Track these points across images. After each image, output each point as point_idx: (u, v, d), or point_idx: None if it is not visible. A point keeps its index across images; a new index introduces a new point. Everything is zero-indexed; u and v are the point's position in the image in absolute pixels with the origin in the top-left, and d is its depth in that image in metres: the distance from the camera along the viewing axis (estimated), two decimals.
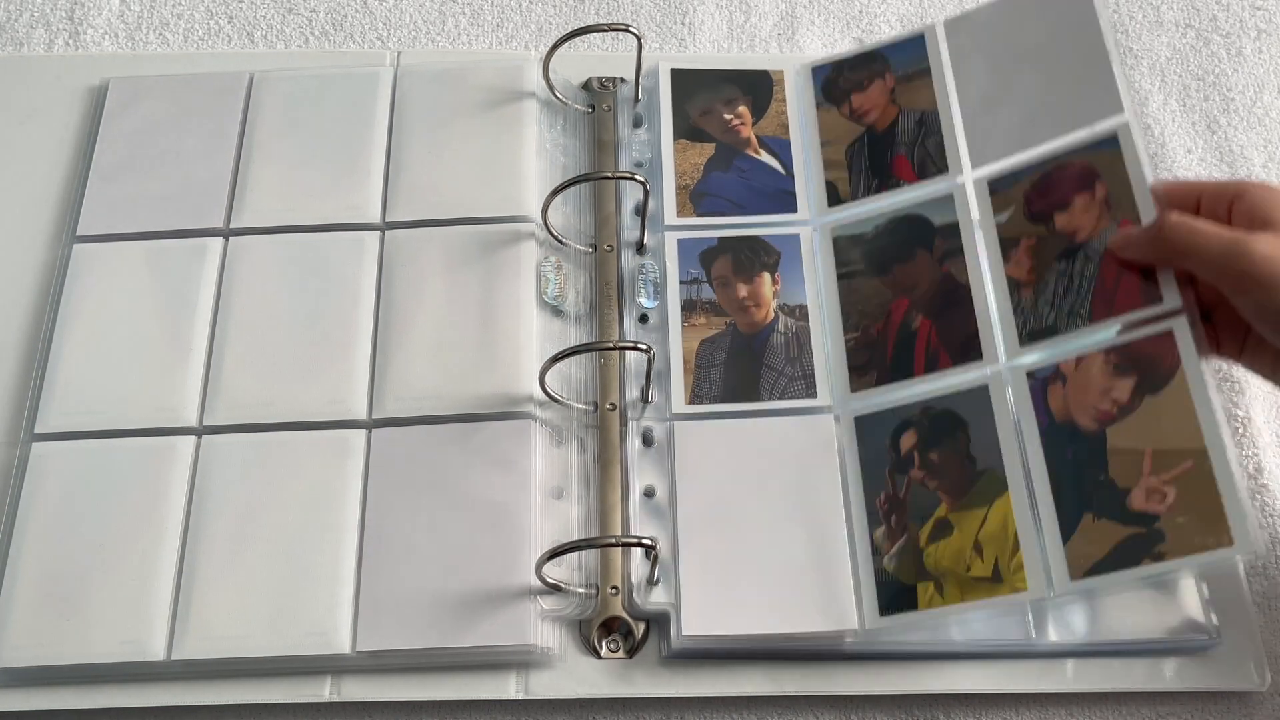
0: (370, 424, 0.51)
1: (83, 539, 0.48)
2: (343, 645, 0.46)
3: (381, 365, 0.51)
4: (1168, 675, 0.47)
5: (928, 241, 0.52)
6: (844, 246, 0.54)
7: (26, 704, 0.47)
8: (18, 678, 0.47)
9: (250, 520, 0.48)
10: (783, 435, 0.50)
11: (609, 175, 0.54)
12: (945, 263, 0.51)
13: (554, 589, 0.47)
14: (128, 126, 0.58)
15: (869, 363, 0.51)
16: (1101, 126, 0.50)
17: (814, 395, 0.51)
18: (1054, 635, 0.47)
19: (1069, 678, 0.47)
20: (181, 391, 0.51)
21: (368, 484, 0.49)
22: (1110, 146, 0.49)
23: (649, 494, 0.50)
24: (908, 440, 0.48)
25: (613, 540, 0.48)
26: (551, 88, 0.58)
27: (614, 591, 0.48)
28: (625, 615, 0.48)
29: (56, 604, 0.47)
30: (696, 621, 0.46)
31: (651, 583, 0.48)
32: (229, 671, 0.47)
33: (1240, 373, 0.56)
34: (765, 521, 0.48)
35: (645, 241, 0.55)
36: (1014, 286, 0.49)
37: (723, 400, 0.51)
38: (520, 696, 0.47)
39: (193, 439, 0.50)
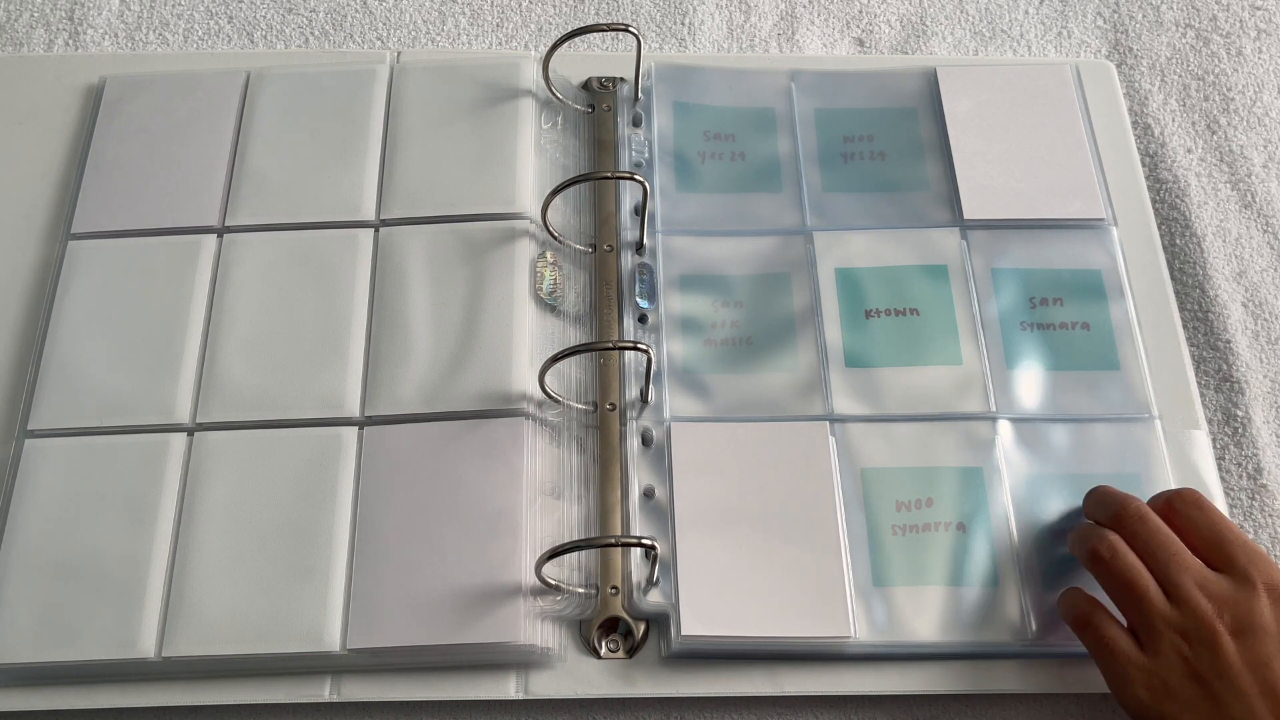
0: (363, 421, 0.50)
1: (75, 536, 0.48)
2: (333, 643, 0.46)
3: (375, 363, 0.51)
4: None
5: None
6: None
7: (23, 704, 0.46)
8: (10, 677, 0.47)
9: (242, 518, 0.48)
10: (779, 440, 0.50)
11: (609, 175, 0.53)
12: None
13: (554, 589, 0.47)
14: (123, 123, 0.58)
15: None
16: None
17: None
18: (1055, 637, 0.47)
19: (1069, 678, 0.47)
20: (175, 389, 0.51)
21: (360, 482, 0.49)
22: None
23: (648, 494, 0.50)
24: None
25: (612, 540, 0.48)
26: (551, 87, 0.58)
27: (614, 592, 0.48)
28: (625, 615, 0.48)
29: (48, 601, 0.46)
30: (695, 623, 0.46)
31: (651, 583, 0.48)
32: (224, 671, 0.47)
33: (1240, 373, 0.56)
34: (762, 524, 0.48)
35: (644, 242, 0.55)
36: None
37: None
38: (520, 696, 0.47)
39: (186, 436, 0.50)
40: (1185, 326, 0.57)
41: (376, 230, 0.55)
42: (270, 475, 0.49)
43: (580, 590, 0.48)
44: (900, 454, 0.50)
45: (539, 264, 0.54)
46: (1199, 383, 0.55)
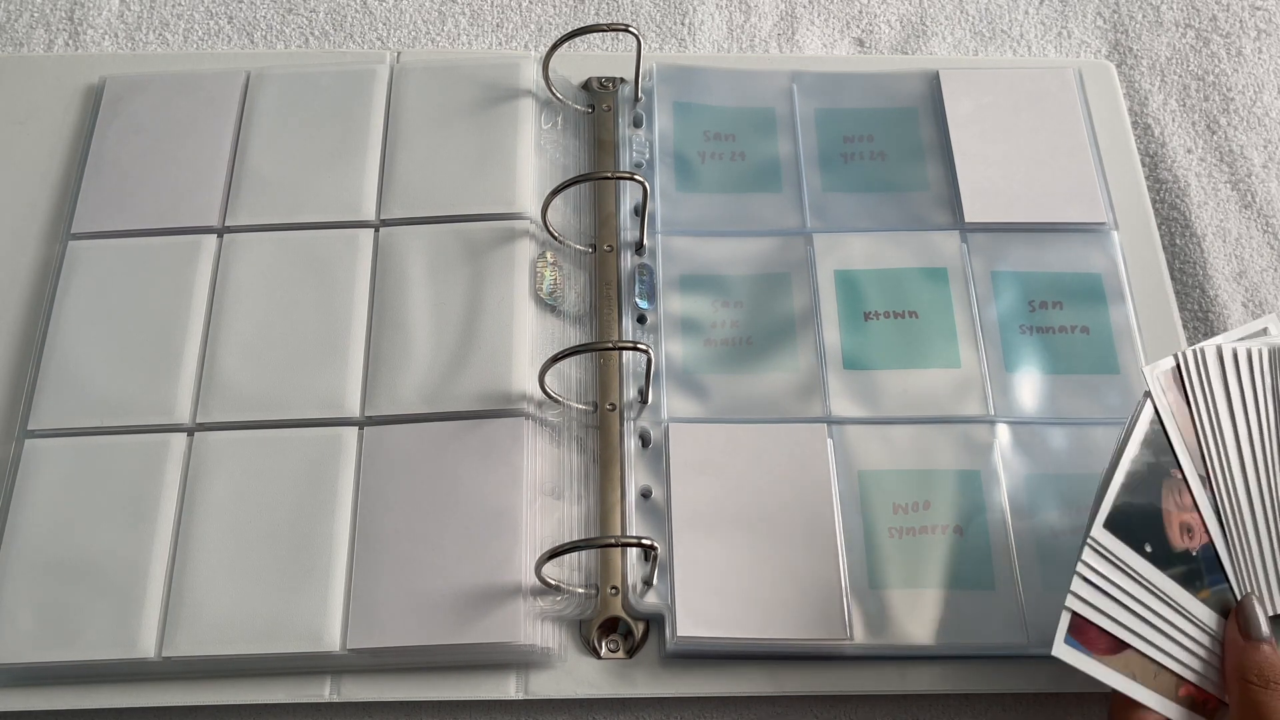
0: (363, 421, 0.50)
1: (75, 536, 0.48)
2: (333, 643, 0.46)
3: (375, 363, 0.51)
4: None
5: None
6: None
7: (23, 704, 0.47)
8: (10, 677, 0.47)
9: (242, 518, 0.48)
10: (777, 441, 0.50)
11: (609, 175, 0.53)
12: None
13: (554, 589, 0.47)
14: (123, 123, 0.58)
15: None
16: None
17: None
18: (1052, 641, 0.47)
19: (1068, 678, 0.47)
20: (175, 389, 0.51)
21: (360, 482, 0.49)
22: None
23: (645, 495, 0.50)
24: None
25: (612, 540, 0.48)
26: (551, 87, 0.58)
27: (614, 592, 0.48)
28: (625, 616, 0.48)
29: (48, 601, 0.46)
30: (690, 624, 0.46)
31: (648, 584, 0.48)
32: (224, 671, 0.47)
33: None
34: (759, 526, 0.48)
35: (644, 242, 0.55)
36: None
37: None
38: (520, 696, 0.47)
39: (186, 436, 0.50)
40: (1185, 327, 0.57)
41: (376, 230, 0.55)
42: (270, 475, 0.49)
43: (580, 590, 0.48)
44: (898, 456, 0.50)
45: (539, 264, 0.54)
46: None
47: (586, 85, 0.60)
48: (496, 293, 0.53)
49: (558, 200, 0.56)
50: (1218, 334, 0.57)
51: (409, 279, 0.53)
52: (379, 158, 0.56)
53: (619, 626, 0.48)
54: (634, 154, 0.58)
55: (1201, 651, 0.44)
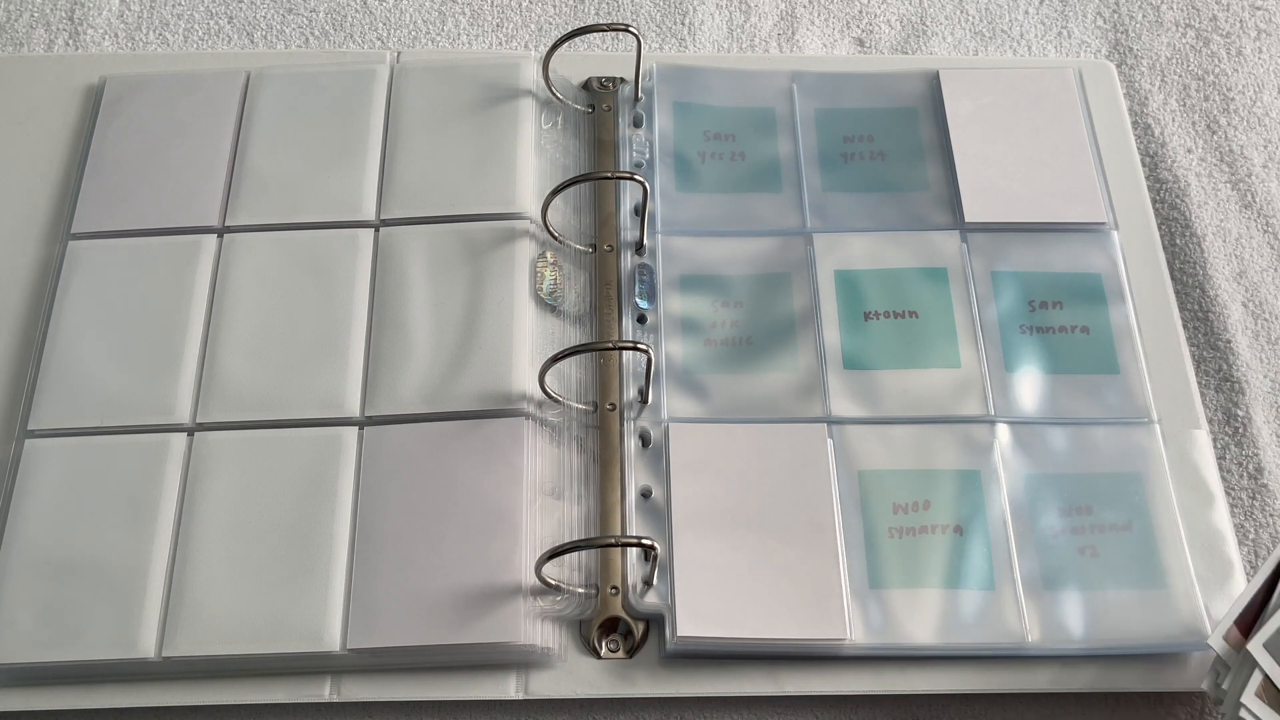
0: (363, 421, 0.51)
1: (75, 536, 0.48)
2: (333, 643, 0.46)
3: (375, 363, 0.51)
4: (1166, 676, 0.47)
5: None
6: None
7: (23, 704, 0.46)
8: (10, 677, 0.47)
9: (242, 518, 0.48)
10: (777, 441, 0.50)
11: (609, 175, 0.54)
12: None
13: (554, 589, 0.47)
14: (123, 123, 0.58)
15: None
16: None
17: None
18: (1052, 640, 0.47)
19: (1069, 678, 0.47)
20: (175, 389, 0.51)
21: (360, 482, 0.49)
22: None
23: (645, 494, 0.50)
24: None
25: (612, 540, 0.48)
26: (551, 87, 0.58)
27: (614, 592, 0.48)
28: (625, 616, 0.48)
29: (48, 601, 0.46)
30: (690, 624, 0.46)
31: (648, 584, 0.48)
32: (224, 671, 0.47)
33: (1240, 373, 0.56)
34: (759, 526, 0.48)
35: (644, 242, 0.55)
36: None
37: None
38: (520, 697, 0.47)
39: (186, 436, 0.50)
40: (1185, 326, 0.57)
41: (376, 230, 0.55)
42: (270, 475, 0.49)
43: (580, 590, 0.48)
44: (898, 456, 0.50)
45: (539, 264, 0.54)
46: (1199, 383, 0.55)
47: (586, 85, 0.60)
48: (496, 293, 0.53)
49: (558, 200, 0.56)
50: (1218, 333, 0.57)
51: (409, 279, 0.53)
52: (379, 158, 0.56)
53: (619, 626, 0.48)
54: (634, 154, 0.58)
55: None
